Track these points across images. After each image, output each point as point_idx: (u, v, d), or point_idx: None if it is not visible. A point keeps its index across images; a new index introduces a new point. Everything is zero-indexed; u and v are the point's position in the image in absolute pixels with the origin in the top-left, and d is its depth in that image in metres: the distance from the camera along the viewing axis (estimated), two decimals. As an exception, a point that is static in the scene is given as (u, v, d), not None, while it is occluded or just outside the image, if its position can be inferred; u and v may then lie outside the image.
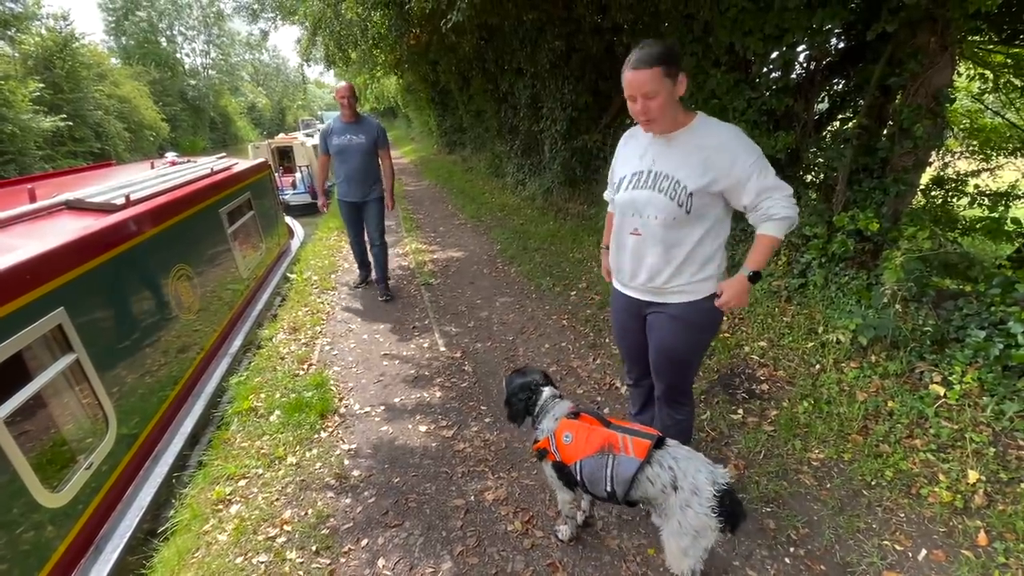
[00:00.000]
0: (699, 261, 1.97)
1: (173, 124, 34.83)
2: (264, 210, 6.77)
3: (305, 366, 4.32)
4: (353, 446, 3.28)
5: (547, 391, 2.33)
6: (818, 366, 3.49)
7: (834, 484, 2.59)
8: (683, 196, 1.86)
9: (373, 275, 5.92)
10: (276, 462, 3.12)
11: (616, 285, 2.33)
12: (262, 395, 3.83)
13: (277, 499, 2.82)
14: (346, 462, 3.13)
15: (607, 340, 4.40)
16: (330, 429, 3.45)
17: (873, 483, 2.56)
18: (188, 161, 6.23)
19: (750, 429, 3.06)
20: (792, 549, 2.29)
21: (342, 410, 3.69)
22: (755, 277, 1.93)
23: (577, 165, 8.65)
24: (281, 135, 19.01)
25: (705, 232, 1.94)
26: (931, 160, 4.06)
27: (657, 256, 2.00)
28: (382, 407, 3.70)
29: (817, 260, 4.22)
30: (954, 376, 3.03)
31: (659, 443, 1.94)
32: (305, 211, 13.05)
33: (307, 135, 18.76)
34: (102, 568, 2.39)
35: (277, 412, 3.61)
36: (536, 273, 6.16)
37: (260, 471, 3.05)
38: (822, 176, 4.66)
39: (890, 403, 3.02)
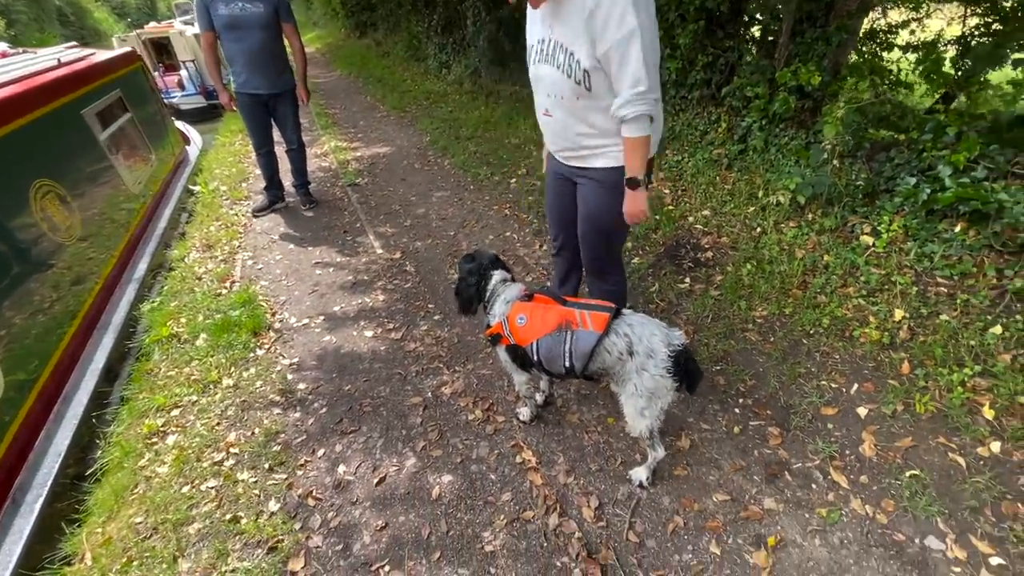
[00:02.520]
0: (619, 127, 1.83)
1: (8, 19, 28.39)
2: (146, 114, 5.73)
3: (227, 284, 3.91)
4: (295, 360, 3.07)
5: (497, 275, 2.17)
6: (759, 229, 3.53)
7: (777, 337, 2.71)
8: (579, 73, 1.74)
9: (295, 196, 5.29)
10: (211, 387, 2.87)
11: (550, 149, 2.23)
12: (182, 320, 3.46)
13: (218, 424, 2.62)
14: (289, 376, 2.93)
15: (552, 225, 4.24)
16: (267, 346, 3.20)
17: (812, 332, 2.69)
18: (23, 52, 5.01)
19: (697, 296, 3.10)
20: (741, 400, 2.41)
21: (277, 325, 3.41)
22: (633, 183, 1.87)
23: (505, 39, 7.85)
24: (152, 24, 15.86)
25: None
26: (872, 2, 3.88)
27: (573, 130, 1.93)
28: (321, 317, 3.45)
29: (758, 123, 4.12)
30: (882, 226, 3.14)
31: (616, 313, 1.89)
32: (201, 116, 11.41)
33: (186, 23, 15.74)
34: (25, 519, 2.17)
35: (203, 335, 3.29)
36: (472, 163, 5.75)
37: (194, 398, 2.80)
38: (764, 31, 4.40)
39: (826, 257, 3.12)
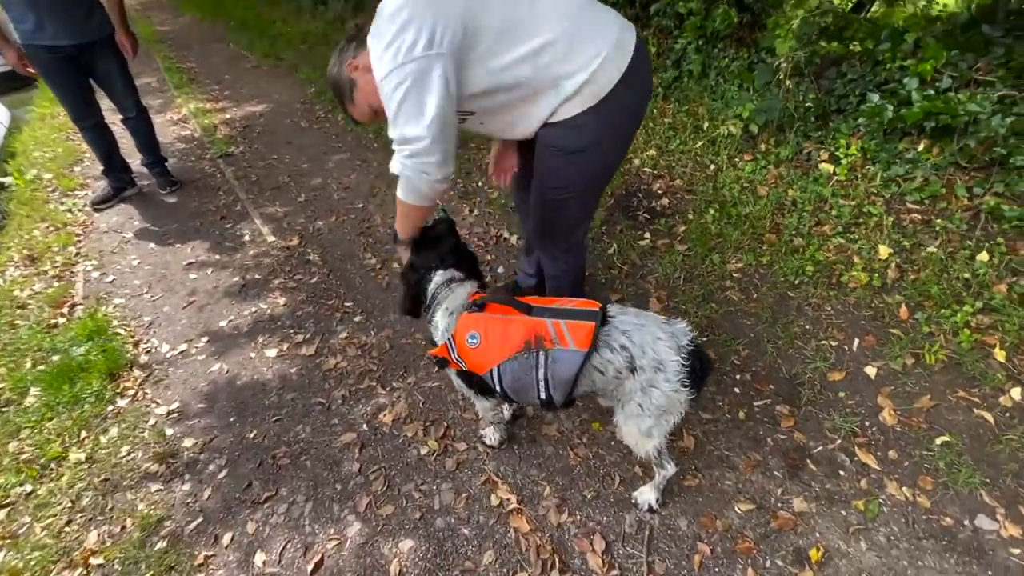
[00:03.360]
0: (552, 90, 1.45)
1: None
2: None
3: (65, 310, 2.94)
4: (174, 406, 2.31)
5: (438, 276, 1.60)
6: (712, 166, 3.16)
7: (760, 293, 2.39)
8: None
9: (146, 179, 4.12)
10: (52, 467, 2.07)
11: None
12: (-1, 372, 2.52)
13: (68, 523, 1.88)
14: (169, 431, 2.19)
15: (480, 184, 3.62)
16: (131, 392, 2.39)
17: (796, 282, 2.39)
18: None
19: (663, 253, 2.70)
20: (738, 376, 2.07)
21: (143, 359, 2.58)
22: (396, 237, 1.68)
23: (388, -37, 6.66)
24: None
25: (510, 99, 1.47)
26: None
27: (518, 127, 1.57)
28: (204, 339, 2.66)
29: (694, 44, 3.66)
30: (840, 151, 2.88)
31: (602, 319, 1.40)
32: (5, 83, 9.03)
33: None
34: None
35: (34, 391, 2.40)
36: (371, 116, 4.85)
37: (27, 488, 2.00)
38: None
39: (791, 192, 2.82)
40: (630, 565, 1.59)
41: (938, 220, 2.46)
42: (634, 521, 1.70)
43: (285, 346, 2.57)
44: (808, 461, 1.78)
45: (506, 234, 3.09)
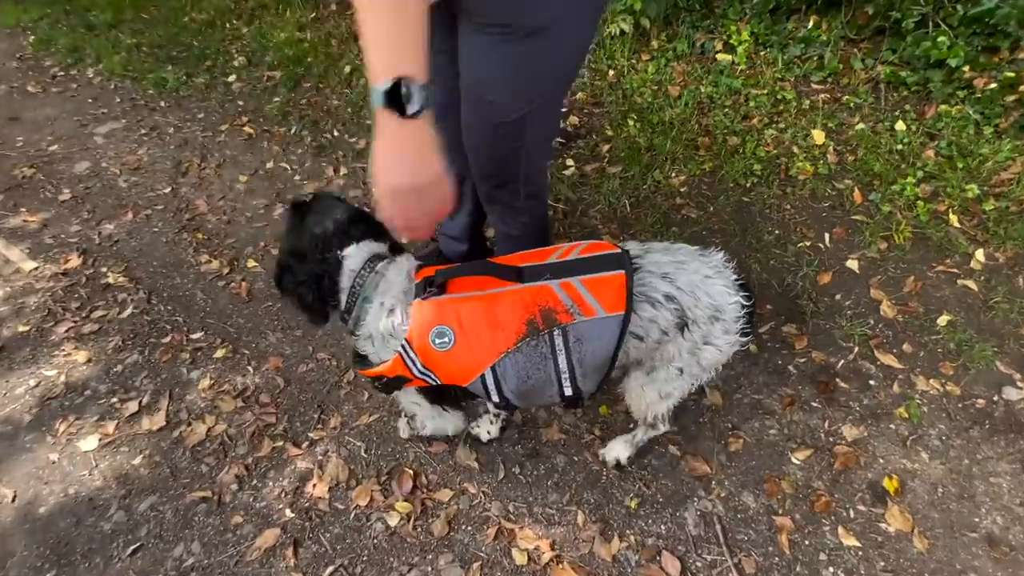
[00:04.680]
0: None
1: None
2: None
3: None
4: (-79, 592, 1.33)
5: (354, 253, 1.08)
6: (612, 72, 2.77)
7: (717, 205, 2.12)
8: None
9: None
10: None
11: None
12: None
13: None
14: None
15: (337, 133, 2.77)
16: None
17: (748, 184, 2.17)
18: None
19: (596, 180, 2.28)
20: (732, 304, 1.79)
21: None
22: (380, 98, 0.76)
23: None
24: None
25: None
26: None
27: None
28: (-50, 456, 1.61)
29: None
30: (732, 38, 2.68)
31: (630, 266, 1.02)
32: None
33: None
34: None
35: None
36: (141, 66, 3.49)
37: None
38: None
39: (703, 88, 2.56)
40: (715, 575, 1.25)
41: (847, 97, 2.41)
42: (696, 519, 1.35)
43: (110, 426, 1.65)
44: (838, 380, 1.59)
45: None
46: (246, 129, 2.88)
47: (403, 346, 1.04)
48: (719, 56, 2.70)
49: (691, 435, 1.50)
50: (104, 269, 2.19)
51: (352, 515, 1.41)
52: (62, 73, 3.64)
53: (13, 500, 1.50)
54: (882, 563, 1.25)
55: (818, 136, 2.23)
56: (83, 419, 1.68)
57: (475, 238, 1.79)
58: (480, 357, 1.02)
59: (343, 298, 1.09)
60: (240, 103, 3.08)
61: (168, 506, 1.47)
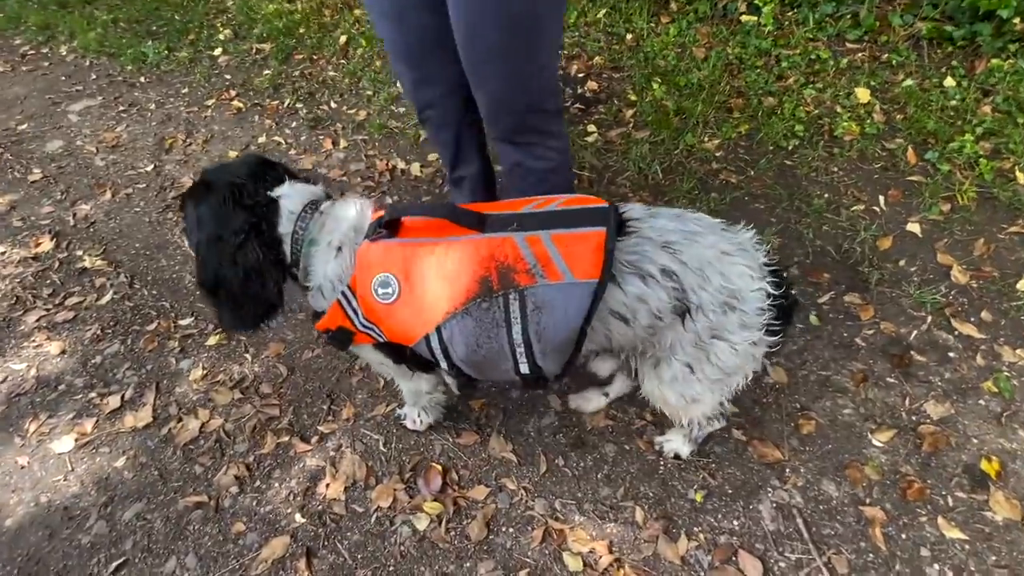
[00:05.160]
0: None
1: None
2: None
3: None
4: None
5: (290, 192, 0.95)
6: (630, 35, 2.58)
7: (758, 169, 1.94)
8: None
9: None
10: None
11: None
12: None
13: None
14: None
15: (334, 104, 2.55)
16: None
17: (791, 148, 1.99)
18: None
19: (622, 146, 2.09)
20: (785, 275, 1.61)
21: None
22: None
23: None
24: None
25: None
26: None
27: None
28: (-99, 463, 1.39)
29: None
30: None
31: (618, 224, 0.85)
32: None
33: None
34: None
35: None
36: (117, 42, 3.24)
37: None
38: None
39: (730, 50, 2.38)
40: (802, 578, 1.08)
41: (885, 55, 2.24)
42: (773, 512, 1.17)
43: (88, 425, 1.45)
44: (913, 353, 1.41)
45: (401, 164, 2.18)
46: (235, 103, 2.65)
47: (343, 292, 0.91)
48: (743, 18, 2.52)
49: (755, 417, 1.33)
50: (80, 252, 1.97)
51: (373, 519, 1.22)
52: (32, 51, 3.39)
53: (-22, 510, 1.29)
54: (993, 557, 1.08)
55: (862, 95, 2.06)
56: (57, 417, 1.47)
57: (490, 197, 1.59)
58: (424, 315, 0.87)
59: (287, 249, 0.93)
60: (227, 77, 2.85)
61: (157, 514, 1.26)
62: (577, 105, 2.32)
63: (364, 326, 0.93)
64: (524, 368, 0.89)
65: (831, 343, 1.46)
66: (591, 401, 1.35)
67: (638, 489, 1.22)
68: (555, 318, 0.83)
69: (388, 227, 0.90)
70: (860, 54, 2.28)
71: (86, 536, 1.24)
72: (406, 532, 1.19)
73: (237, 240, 0.88)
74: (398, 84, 2.46)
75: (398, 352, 1.02)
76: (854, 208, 1.76)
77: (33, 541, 1.24)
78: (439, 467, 1.28)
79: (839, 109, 2.06)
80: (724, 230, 0.91)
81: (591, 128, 2.18)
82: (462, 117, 1.35)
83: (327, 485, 1.28)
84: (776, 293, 0.88)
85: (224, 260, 0.90)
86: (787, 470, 1.23)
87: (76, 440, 1.42)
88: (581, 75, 2.46)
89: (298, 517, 1.23)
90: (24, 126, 2.69)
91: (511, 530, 1.18)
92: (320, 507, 1.25)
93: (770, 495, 1.20)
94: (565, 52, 2.57)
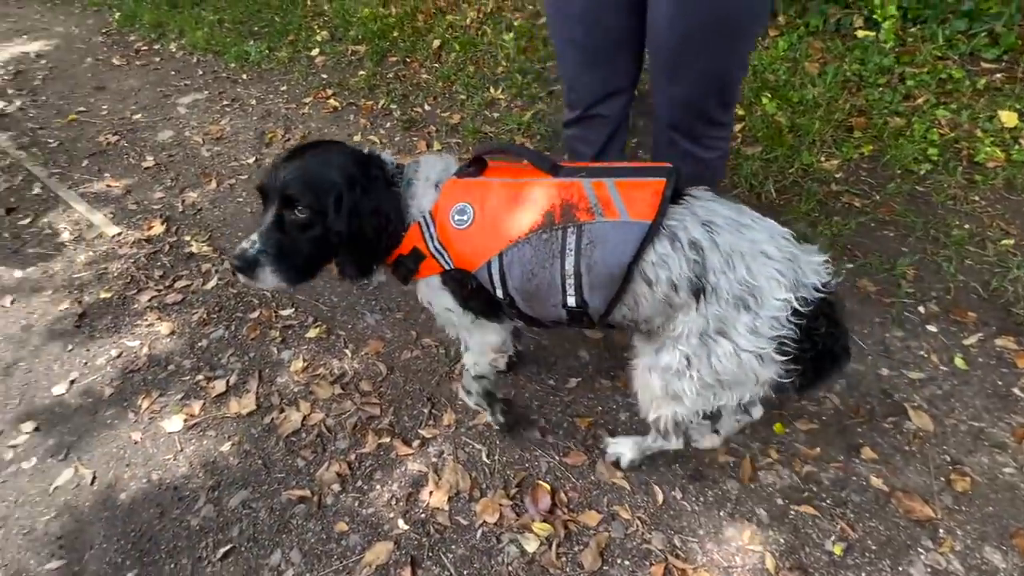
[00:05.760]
0: None
1: None
2: None
3: None
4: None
5: (383, 151, 1.07)
6: (734, 49, 2.47)
7: (885, 193, 1.80)
8: None
9: None
10: None
11: None
12: None
13: None
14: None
15: (428, 107, 2.57)
16: None
17: (921, 172, 1.84)
18: None
19: (732, 162, 1.98)
20: (923, 310, 1.48)
21: None
22: None
23: None
24: None
25: None
26: None
27: None
28: (29, 426, 1.46)
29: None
30: (876, 13, 2.34)
31: (675, 195, 0.90)
32: None
33: None
34: None
35: None
36: (224, 40, 3.41)
37: None
38: None
39: (847, 66, 2.24)
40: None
41: (1032, 76, 2.04)
42: (925, 572, 1.05)
43: (196, 406, 1.47)
44: (1085, 410, 1.25)
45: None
46: (331, 102, 2.72)
47: (423, 216, 1.00)
48: (859, 33, 2.37)
49: (896, 466, 1.20)
50: (187, 237, 2.05)
51: (479, 533, 1.17)
52: (145, 47, 3.62)
53: (92, 482, 1.33)
54: None
55: (1007, 118, 1.88)
56: (167, 396, 1.51)
57: None
58: (490, 242, 0.95)
59: (386, 204, 1.00)
60: (324, 76, 2.94)
61: (262, 504, 1.26)
62: (678, 117, 2.23)
63: (436, 249, 0.99)
64: (571, 300, 0.94)
65: (983, 391, 1.31)
66: (705, 438, 1.24)
67: (767, 533, 1.12)
68: (606, 253, 0.88)
69: (474, 165, 1.01)
70: (999, 75, 2.09)
71: (195, 518, 1.25)
72: (514, 552, 1.13)
73: (374, 183, 0.98)
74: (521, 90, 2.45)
75: (462, 292, 1.04)
76: (1003, 243, 1.60)
77: (145, 518, 1.26)
78: (547, 486, 1.22)
79: (979, 133, 1.89)
80: (785, 240, 0.89)
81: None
82: (622, 119, 1.38)
83: (430, 493, 1.24)
84: (807, 318, 0.84)
85: (366, 201, 0.96)
86: (941, 531, 1.10)
87: (185, 421, 1.45)
88: (682, 87, 2.37)
89: (401, 523, 1.20)
90: (138, 116, 2.85)
91: (627, 563, 1.10)
92: (423, 515, 1.21)
93: (923, 558, 1.07)
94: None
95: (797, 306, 0.83)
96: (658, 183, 0.88)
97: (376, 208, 0.97)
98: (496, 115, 2.44)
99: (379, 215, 0.97)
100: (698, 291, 0.86)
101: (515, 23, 2.91)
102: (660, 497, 1.19)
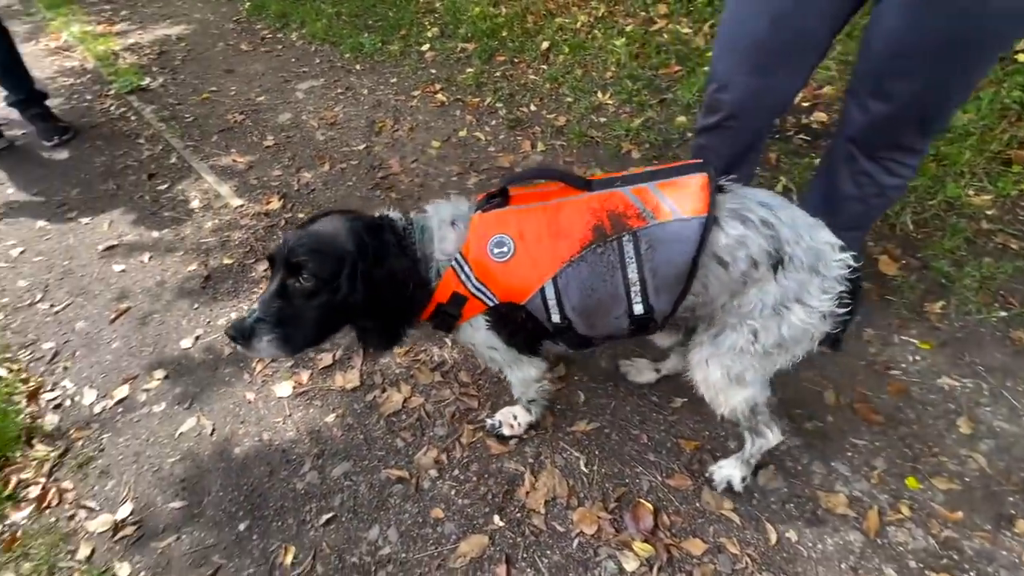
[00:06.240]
0: None
1: None
2: None
3: None
4: (123, 511, 1.28)
5: (393, 215, 1.03)
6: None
7: (1050, 236, 1.60)
8: None
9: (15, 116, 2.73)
10: None
11: None
12: None
13: None
14: (123, 572, 1.17)
15: (534, 107, 2.58)
16: (33, 492, 1.32)
17: (1097, 216, 1.62)
18: None
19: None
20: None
21: (50, 421, 1.48)
22: None
23: None
24: None
25: None
26: None
27: None
28: (159, 374, 1.59)
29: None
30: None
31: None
32: None
33: None
34: None
35: None
36: (340, 32, 3.60)
37: None
38: None
39: (1005, 93, 2.02)
40: None
41: None
42: None
43: (304, 376, 1.55)
44: None
45: (600, 172, 2.12)
46: (438, 96, 2.80)
47: (456, 259, 0.97)
48: (1020, 56, 2.13)
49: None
50: (301, 215, 2.16)
51: (575, 543, 1.15)
52: (270, 35, 3.88)
53: (212, 433, 1.43)
54: None
55: None
56: (278, 362, 1.60)
57: None
58: (540, 269, 0.94)
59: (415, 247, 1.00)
60: (433, 71, 3.03)
61: (362, 478, 1.30)
62: (802, 136, 2.11)
63: (477, 288, 0.97)
64: (638, 308, 0.94)
65: None
66: (643, 373, 1.41)
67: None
68: (668, 254, 0.89)
69: (497, 199, 0.98)
70: None
71: (300, 482, 1.31)
72: (611, 568, 1.10)
73: (387, 248, 0.95)
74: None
75: (508, 327, 1.03)
76: None
77: (256, 475, 1.34)
78: (649, 506, 1.17)
79: None
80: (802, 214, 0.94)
81: (817, 163, 1.96)
82: (764, 135, 1.35)
83: (526, 493, 1.23)
84: (854, 268, 0.91)
85: (379, 268, 0.94)
86: (1115, 630, 0.95)
87: (293, 388, 1.52)
88: (807, 104, 2.24)
89: (497, 519, 1.20)
90: (261, 98, 3.06)
91: None
92: (519, 515, 1.20)
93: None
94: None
95: (851, 260, 0.90)
96: (701, 177, 0.90)
97: (391, 272, 0.94)
98: (603, 120, 2.40)
99: (395, 280, 0.95)
100: (776, 263, 0.89)
101: (627, 28, 2.87)
102: (773, 537, 1.11)
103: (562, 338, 1.04)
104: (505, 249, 0.94)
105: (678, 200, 0.90)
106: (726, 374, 0.99)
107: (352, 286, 0.91)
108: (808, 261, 0.88)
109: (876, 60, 1.07)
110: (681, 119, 2.28)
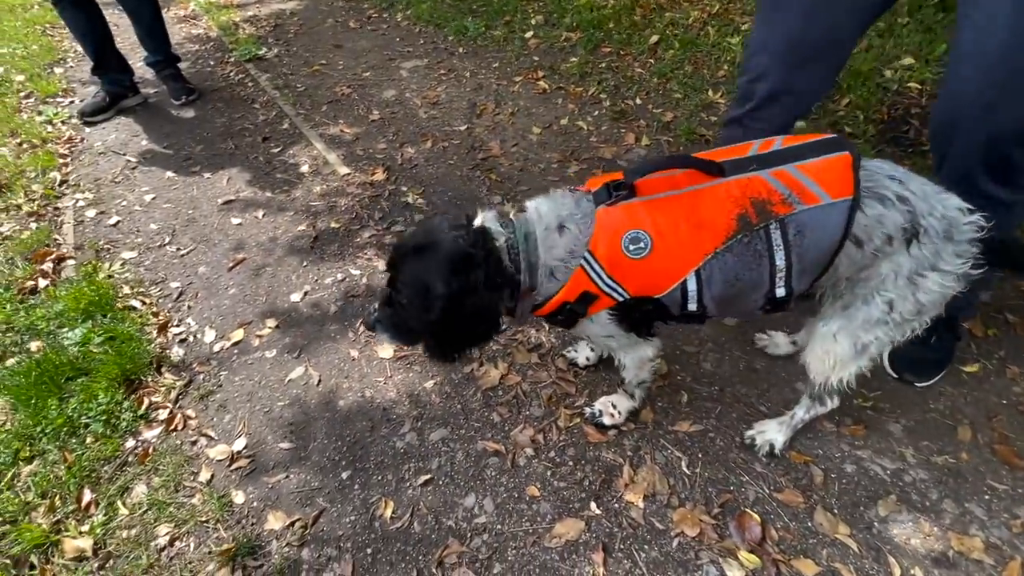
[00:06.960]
0: None
1: None
2: None
3: (47, 265, 1.94)
4: (239, 444, 1.36)
5: (485, 217, 1.00)
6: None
7: None
8: None
9: (150, 76, 2.97)
10: (26, 558, 1.14)
11: None
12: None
13: None
14: (238, 498, 1.26)
15: (639, 100, 2.53)
16: (161, 416, 1.43)
17: None
18: None
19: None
20: None
21: (176, 353, 1.61)
22: None
23: None
24: None
25: None
26: None
27: None
28: (271, 322, 1.69)
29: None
30: None
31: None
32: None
33: None
34: None
35: (-1, 405, 1.44)
36: (444, 15, 3.67)
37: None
38: None
39: None
40: None
41: None
42: None
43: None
44: None
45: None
46: (541, 83, 2.79)
47: (584, 257, 0.94)
48: None
49: None
50: (404, 188, 2.23)
51: (675, 543, 1.12)
52: (376, 15, 4.02)
53: (318, 384, 1.50)
54: None
55: None
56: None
57: None
58: (682, 262, 0.92)
59: (506, 258, 0.97)
60: (535, 58, 3.03)
61: (459, 446, 1.33)
62: (908, 141, 1.94)
63: (609, 286, 0.95)
64: (780, 292, 0.93)
65: None
66: (780, 346, 1.43)
67: None
68: (817, 238, 0.89)
69: (621, 190, 0.94)
70: None
71: (400, 441, 1.35)
72: (713, 572, 1.07)
73: (472, 288, 0.92)
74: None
75: (632, 317, 1.02)
76: None
77: (359, 428, 1.39)
78: (757, 517, 1.13)
79: None
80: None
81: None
82: (792, 123, 1.32)
83: (625, 485, 1.21)
84: (987, 226, 0.90)
85: (461, 307, 0.93)
86: None
87: (394, 351, 1.57)
88: (915, 111, 2.06)
89: (593, 506, 1.18)
90: (368, 74, 3.18)
91: None
92: (617, 505, 1.19)
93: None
94: (927, 88, 2.18)
95: (983, 222, 0.89)
96: (844, 158, 0.88)
97: (474, 311, 0.95)
98: (713, 119, 2.32)
99: (474, 317, 0.96)
100: (911, 237, 0.89)
101: (743, 27, 2.75)
102: (897, 571, 1.04)
103: (684, 320, 1.02)
104: (642, 245, 0.91)
105: (824, 183, 0.88)
106: (854, 345, 1.00)
107: (434, 317, 0.94)
108: (943, 229, 0.89)
109: (997, 64, 0.95)
110: (800, 123, 2.16)
